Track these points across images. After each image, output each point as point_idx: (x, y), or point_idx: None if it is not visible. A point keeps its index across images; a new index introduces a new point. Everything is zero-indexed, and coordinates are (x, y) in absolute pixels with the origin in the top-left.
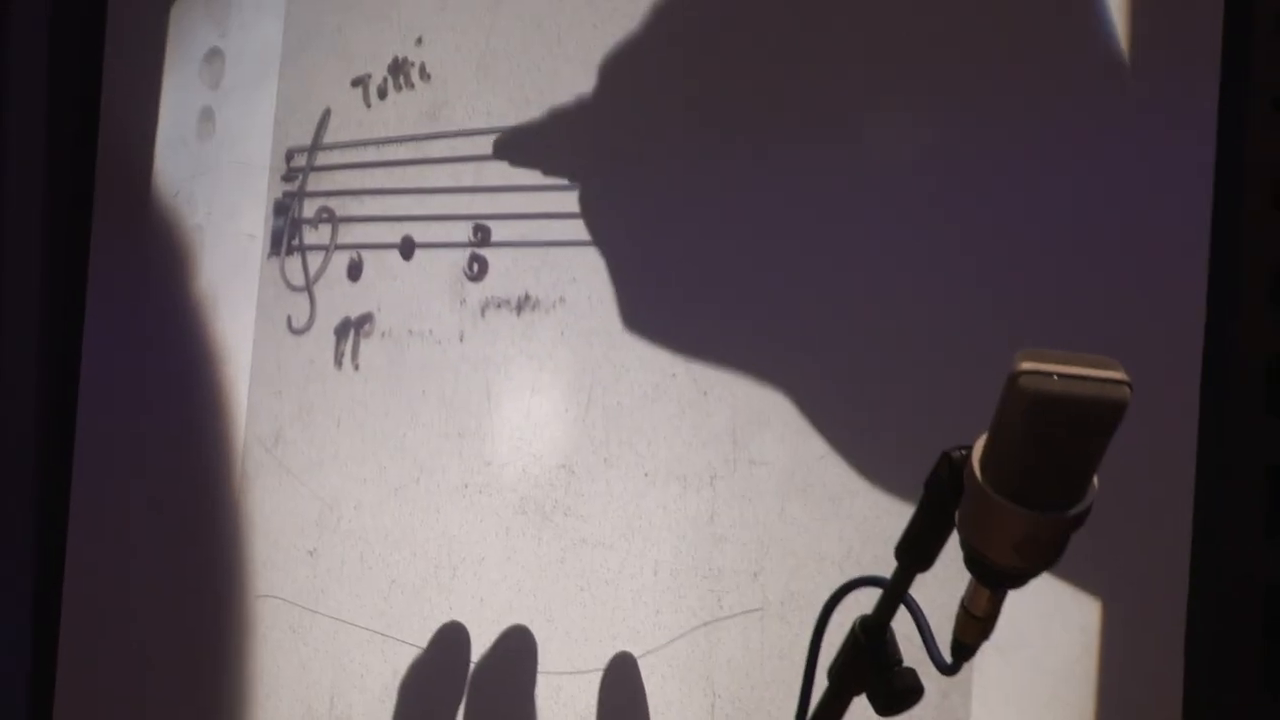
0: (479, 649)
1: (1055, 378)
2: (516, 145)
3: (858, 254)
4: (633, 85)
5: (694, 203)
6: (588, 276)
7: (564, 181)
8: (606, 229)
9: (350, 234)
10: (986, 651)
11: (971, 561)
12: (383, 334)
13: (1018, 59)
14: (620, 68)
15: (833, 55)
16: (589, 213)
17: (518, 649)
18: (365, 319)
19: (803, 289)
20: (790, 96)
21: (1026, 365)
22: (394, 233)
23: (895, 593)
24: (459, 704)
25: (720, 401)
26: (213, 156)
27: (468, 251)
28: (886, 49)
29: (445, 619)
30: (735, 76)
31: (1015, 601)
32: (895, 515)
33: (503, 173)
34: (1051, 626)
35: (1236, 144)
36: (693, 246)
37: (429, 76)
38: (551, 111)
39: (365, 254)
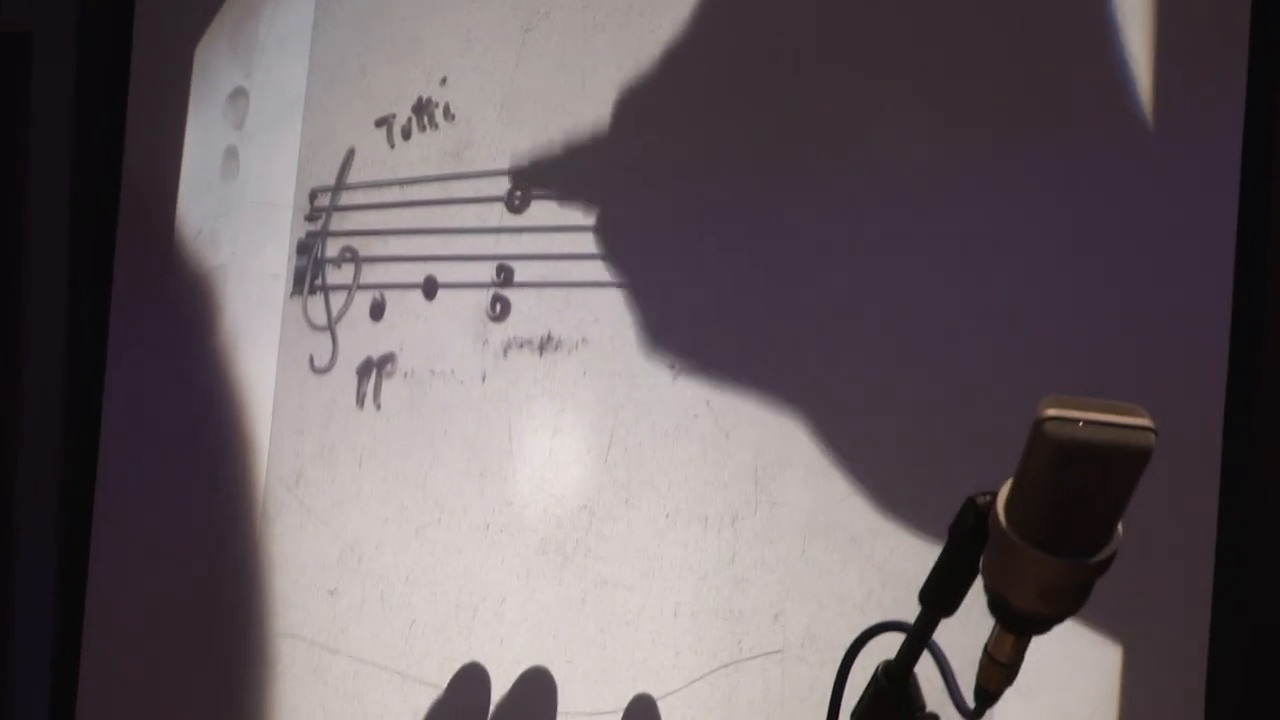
0: (499, 690)
1: (1080, 424)
2: (539, 175)
3: (882, 292)
4: (656, 118)
5: (718, 239)
6: (610, 317)
7: (587, 222)
8: (630, 261)
9: (373, 274)
10: (1009, 696)
11: (995, 607)
12: (405, 374)
13: (1039, 92)
14: (642, 102)
15: (854, 87)
16: (608, 244)
17: (537, 690)
18: (388, 359)
19: (827, 328)
20: (813, 129)
21: (1052, 412)
22: (417, 273)
23: (918, 638)
24: None
25: (742, 442)
26: (236, 196)
27: (490, 292)
28: (912, 82)
29: (465, 659)
30: (761, 111)
31: (1038, 645)
32: (917, 557)
33: (526, 214)
34: (1074, 671)
35: (1263, 193)
36: (715, 283)
37: (453, 117)
38: (572, 144)
39: (388, 294)
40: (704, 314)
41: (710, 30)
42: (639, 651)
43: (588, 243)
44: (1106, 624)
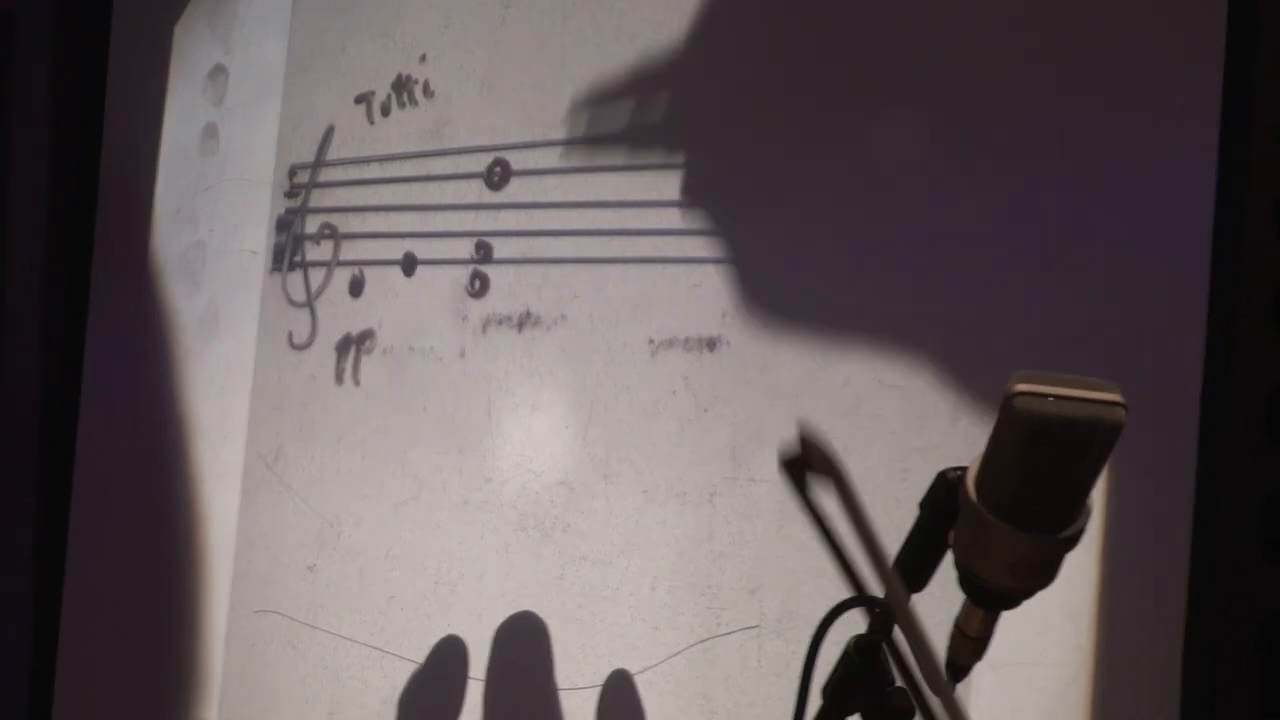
0: (477, 665)
1: (1051, 399)
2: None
3: (866, 275)
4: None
5: (701, 215)
6: (589, 294)
7: (566, 198)
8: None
9: (352, 250)
10: (982, 670)
11: (965, 582)
12: (384, 350)
13: (1020, 89)
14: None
15: (838, 71)
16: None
17: (515, 664)
18: (367, 335)
19: (808, 306)
20: (795, 109)
21: (1022, 387)
22: (396, 249)
23: (888, 613)
24: (456, 718)
25: (720, 419)
26: (216, 173)
27: (469, 268)
28: (895, 77)
29: (444, 634)
30: (741, 92)
31: (1011, 620)
32: (892, 534)
33: (505, 191)
34: (1047, 646)
35: (1239, 172)
36: (697, 259)
37: (432, 94)
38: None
39: (367, 270)
40: (684, 290)
41: (689, 9)
42: (617, 626)
43: (567, 219)
44: (1081, 600)
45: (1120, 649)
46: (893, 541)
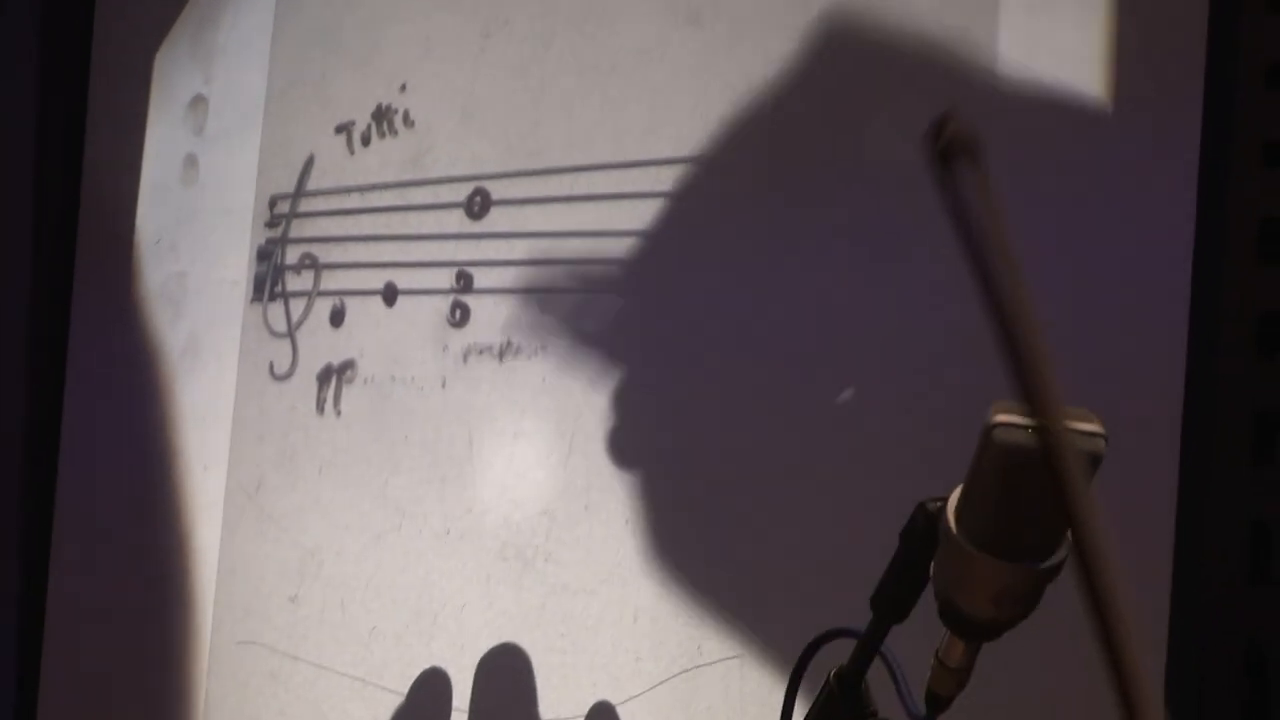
0: (460, 695)
1: (1030, 430)
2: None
3: (837, 300)
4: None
5: (682, 247)
6: (570, 324)
7: (546, 228)
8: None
9: (333, 280)
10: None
11: (946, 614)
12: (365, 380)
13: (995, 106)
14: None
15: (815, 86)
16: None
17: (497, 695)
18: (348, 365)
19: (783, 337)
20: (776, 130)
21: (1001, 418)
22: (377, 279)
23: (870, 644)
24: None
25: (702, 451)
26: (196, 203)
27: (450, 298)
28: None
29: (426, 665)
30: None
31: (996, 649)
32: (875, 563)
33: (485, 220)
34: (1032, 672)
35: (1220, 192)
36: (670, 291)
37: (413, 123)
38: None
39: (348, 300)
40: (663, 321)
41: (669, 37)
42: (599, 656)
43: (547, 248)
44: (1064, 627)
45: (1104, 676)
46: (876, 569)
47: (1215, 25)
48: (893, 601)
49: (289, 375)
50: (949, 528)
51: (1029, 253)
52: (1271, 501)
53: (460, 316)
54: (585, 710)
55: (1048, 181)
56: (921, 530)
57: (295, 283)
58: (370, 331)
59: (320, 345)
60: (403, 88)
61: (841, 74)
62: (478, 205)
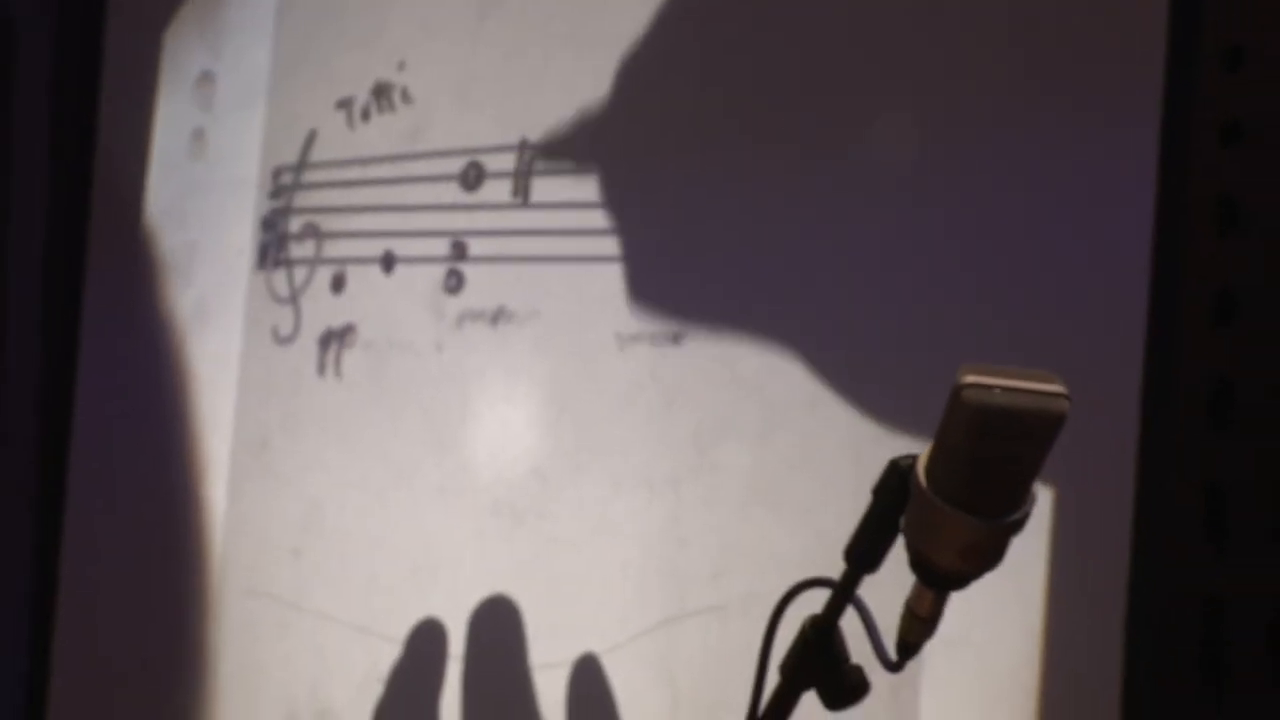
0: (455, 643)
1: (997, 391)
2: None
3: (816, 276)
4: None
5: (676, 215)
6: (562, 291)
7: (539, 199)
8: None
9: (334, 249)
10: (936, 650)
11: (916, 565)
12: (364, 344)
13: (964, 90)
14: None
15: (801, 81)
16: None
17: (490, 644)
18: (348, 330)
19: (766, 305)
20: (767, 113)
21: (969, 379)
22: (376, 248)
23: (843, 593)
24: (436, 695)
25: (685, 411)
26: (204, 175)
27: (446, 266)
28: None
29: (423, 615)
30: (709, 96)
31: (964, 603)
32: (849, 518)
33: (479, 192)
34: (998, 628)
35: (1180, 169)
36: (667, 254)
37: (410, 99)
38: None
39: (348, 268)
40: (651, 284)
41: (662, 16)
42: (586, 607)
43: (540, 218)
44: (1030, 583)
45: (1067, 630)
46: (850, 525)
47: (1176, 9)
48: (865, 553)
49: (292, 339)
50: (919, 484)
51: (1002, 227)
52: (1227, 466)
53: (455, 284)
54: (573, 657)
55: (1018, 161)
56: (893, 486)
57: (298, 251)
58: (369, 298)
59: (322, 310)
60: (401, 65)
61: (822, 55)
62: (472, 177)
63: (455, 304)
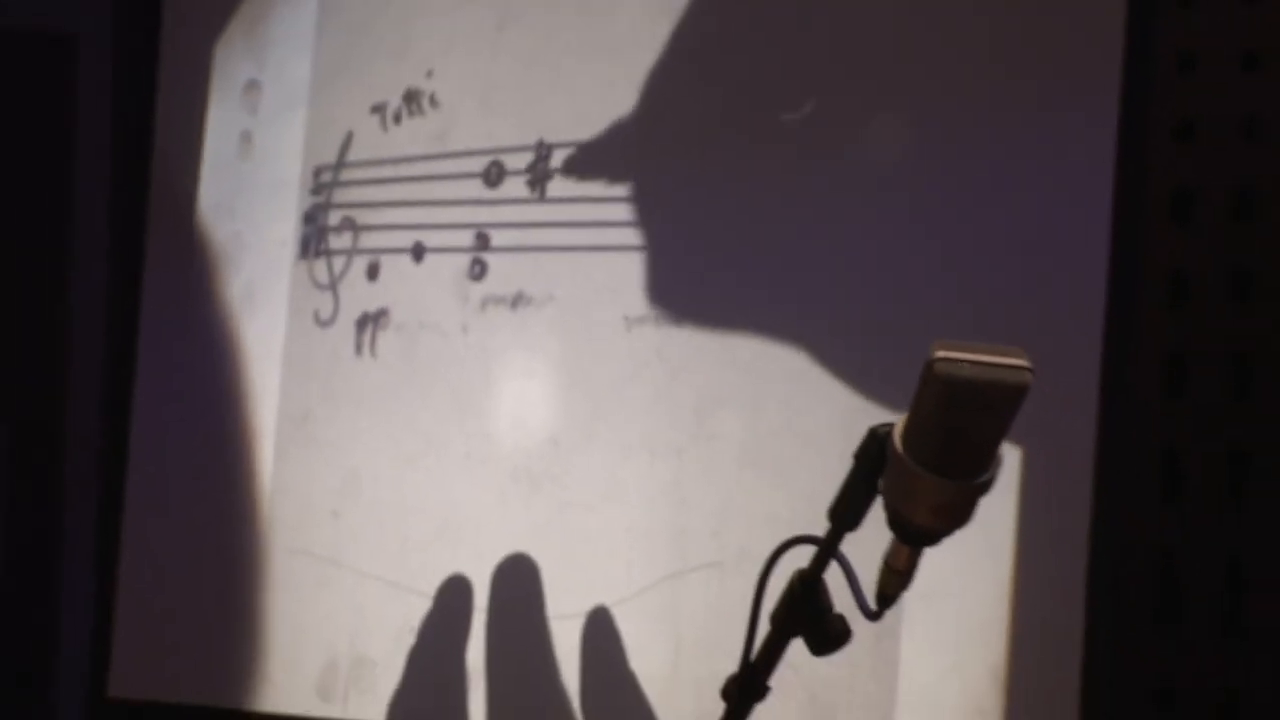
0: (480, 596)
1: (965, 365)
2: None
3: (804, 266)
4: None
5: (673, 210)
6: (575, 277)
7: (555, 194)
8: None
9: (369, 240)
10: (913, 601)
11: (894, 523)
12: (396, 327)
13: (929, 86)
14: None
15: (792, 82)
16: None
17: (511, 597)
18: (381, 313)
19: (758, 289)
20: (758, 116)
21: (941, 354)
22: (407, 239)
23: (827, 549)
24: (463, 644)
25: (686, 384)
26: (251, 174)
27: (470, 256)
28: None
29: (451, 571)
30: (700, 99)
31: (938, 558)
32: (833, 481)
33: (500, 188)
34: (970, 580)
35: (1137, 163)
36: (671, 248)
37: (438, 104)
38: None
39: (382, 257)
40: (656, 271)
41: (661, 31)
42: (596, 563)
43: (555, 212)
44: (1000, 539)
45: (1034, 582)
46: (834, 487)
47: (1133, 18)
48: (847, 513)
49: (331, 322)
50: (896, 449)
51: (975, 219)
52: (1181, 431)
53: (479, 271)
54: (586, 609)
55: (989, 159)
56: (872, 452)
57: (336, 242)
58: (401, 284)
59: (358, 296)
60: (429, 73)
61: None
62: (494, 175)
63: (479, 290)
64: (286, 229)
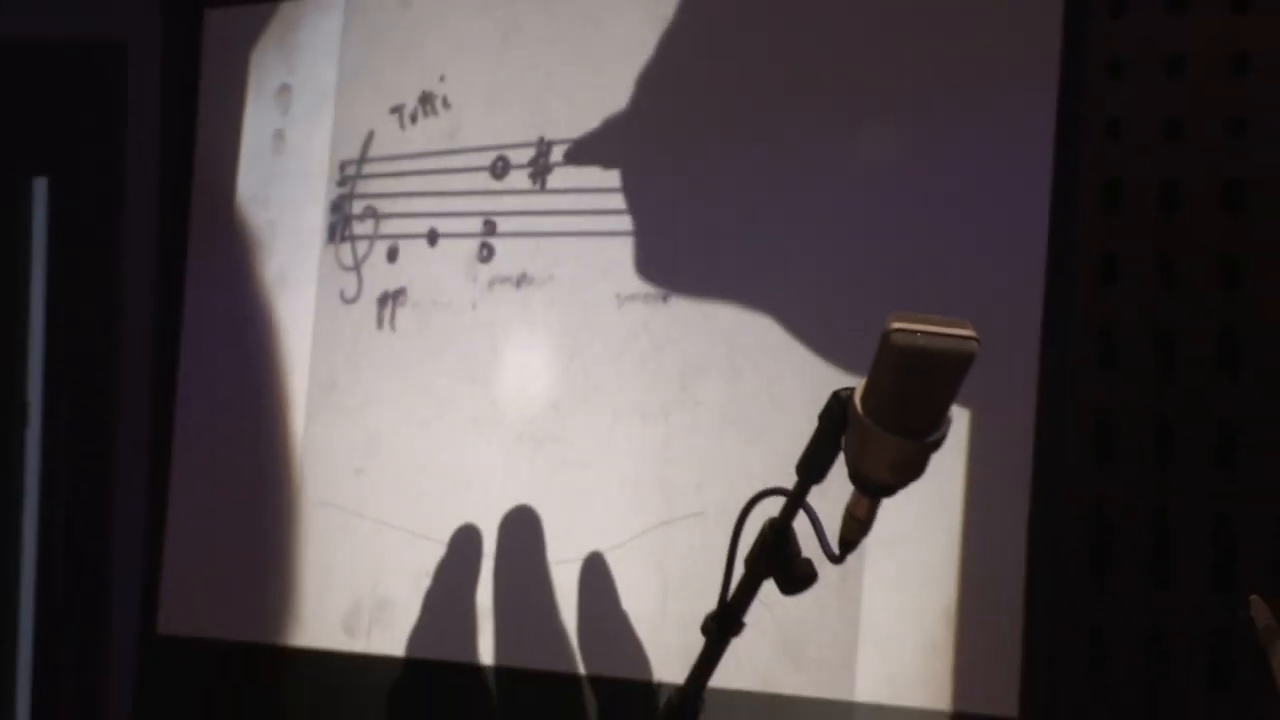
0: (488, 544)
1: (919, 334)
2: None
3: (774, 251)
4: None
5: (659, 197)
6: (573, 260)
7: (555, 185)
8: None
9: (389, 227)
10: (873, 546)
11: (854, 477)
12: (413, 304)
13: (875, 84)
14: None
15: (769, 85)
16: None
17: (516, 544)
18: (400, 292)
19: (738, 271)
20: (737, 113)
21: (897, 325)
22: (422, 226)
23: (796, 500)
24: (474, 586)
25: (672, 355)
26: (283, 167)
27: (479, 240)
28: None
29: (462, 521)
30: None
31: (895, 509)
32: (802, 439)
33: (505, 181)
34: (925, 528)
35: (1073, 158)
36: (655, 231)
37: (449, 105)
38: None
39: (400, 242)
40: (645, 254)
41: (649, 39)
42: (593, 514)
43: (555, 202)
44: (951, 492)
45: (981, 530)
46: (803, 445)
47: (1068, 28)
48: (813, 467)
49: (355, 300)
50: (856, 411)
51: (930, 204)
52: (1111, 396)
53: (487, 254)
54: (583, 554)
55: (943, 152)
56: (835, 413)
57: (360, 228)
58: (417, 266)
59: (379, 276)
60: (441, 78)
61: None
62: (500, 168)
63: (486, 271)
64: (315, 217)
